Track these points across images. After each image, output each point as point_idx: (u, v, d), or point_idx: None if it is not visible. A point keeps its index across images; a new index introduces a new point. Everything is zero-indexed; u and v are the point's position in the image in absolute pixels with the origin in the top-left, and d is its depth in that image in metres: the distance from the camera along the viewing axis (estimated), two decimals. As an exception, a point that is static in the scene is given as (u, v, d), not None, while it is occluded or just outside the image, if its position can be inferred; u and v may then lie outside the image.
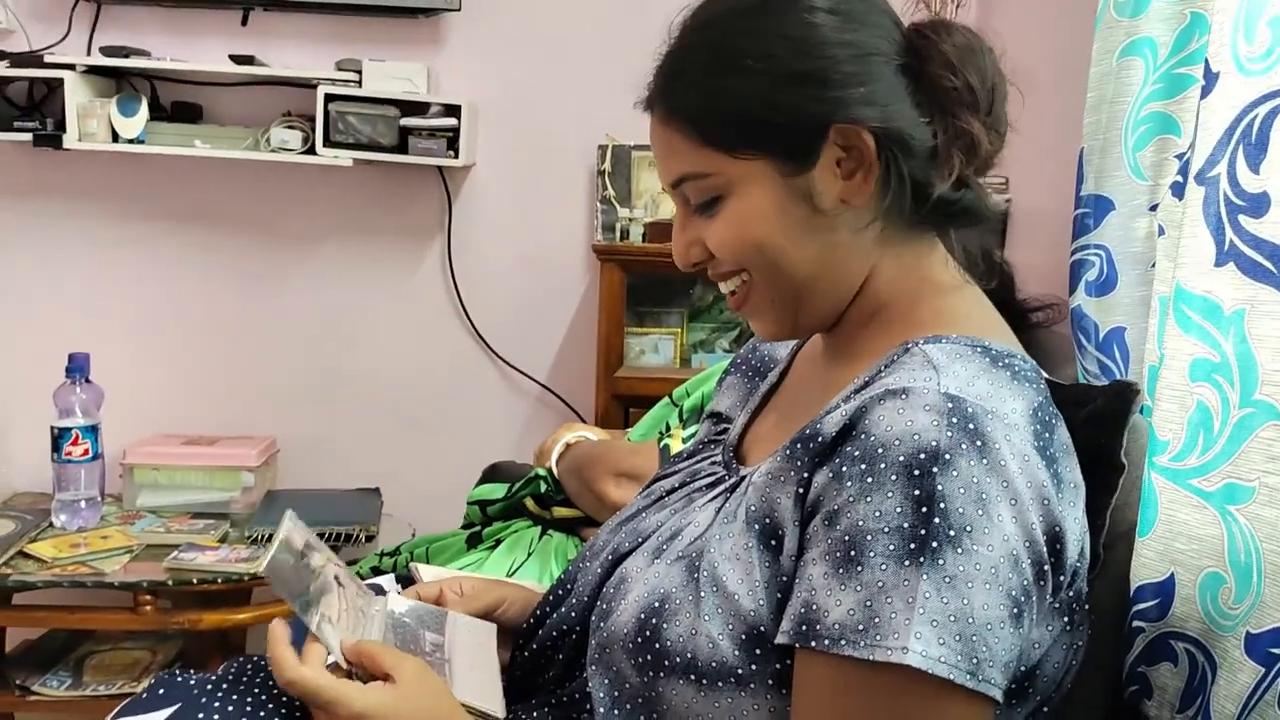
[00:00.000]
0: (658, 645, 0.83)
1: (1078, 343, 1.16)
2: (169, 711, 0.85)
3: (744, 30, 0.86)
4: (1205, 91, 0.90)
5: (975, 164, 0.87)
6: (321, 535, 2.00)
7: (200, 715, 0.85)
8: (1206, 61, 0.91)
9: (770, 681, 0.79)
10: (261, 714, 0.87)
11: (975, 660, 0.71)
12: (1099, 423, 0.91)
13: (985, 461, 0.73)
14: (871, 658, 0.71)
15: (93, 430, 2.05)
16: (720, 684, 0.80)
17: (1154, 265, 1.06)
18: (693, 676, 0.81)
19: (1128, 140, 1.10)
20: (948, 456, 0.73)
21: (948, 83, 0.85)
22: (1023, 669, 0.79)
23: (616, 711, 0.87)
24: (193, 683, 0.89)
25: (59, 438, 2.02)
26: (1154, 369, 0.96)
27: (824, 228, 0.86)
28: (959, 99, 0.85)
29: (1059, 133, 1.28)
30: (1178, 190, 1.03)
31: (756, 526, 0.82)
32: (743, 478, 0.90)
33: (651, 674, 0.83)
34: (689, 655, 0.81)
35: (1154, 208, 1.09)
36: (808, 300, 0.90)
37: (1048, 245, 1.61)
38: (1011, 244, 2.07)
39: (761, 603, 0.80)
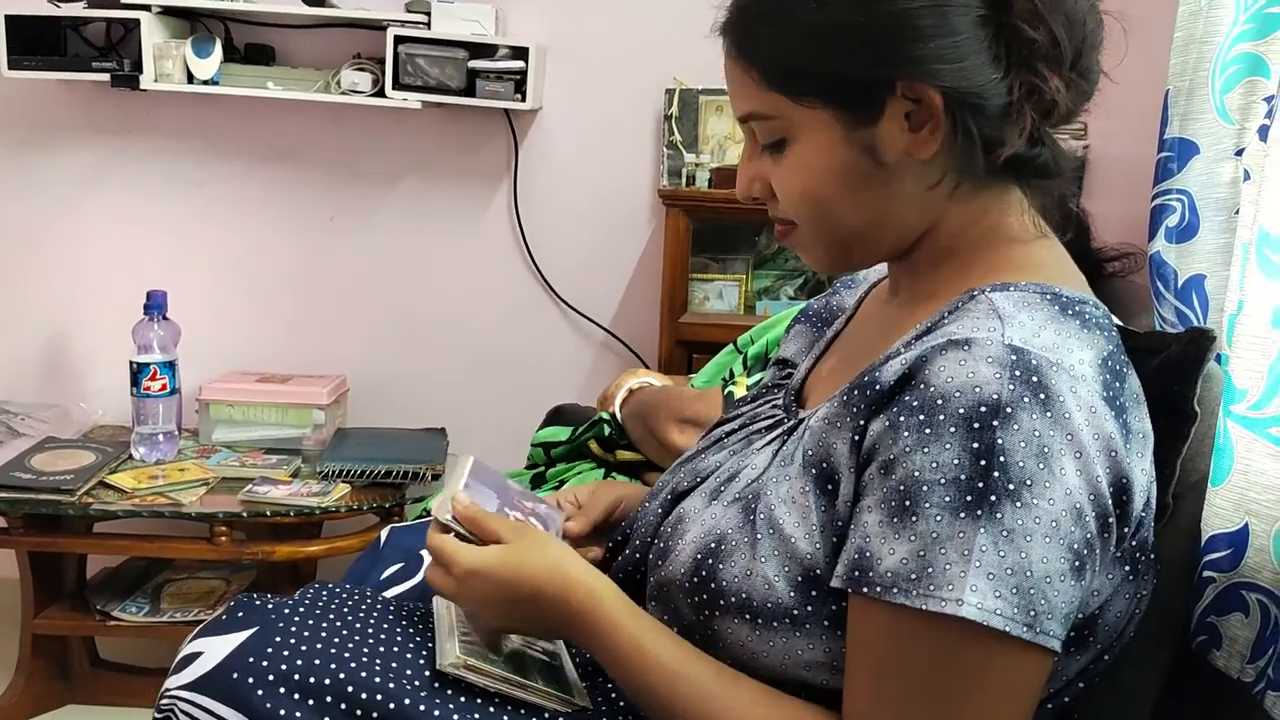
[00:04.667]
0: (713, 585, 0.84)
1: (1155, 290, 1.13)
2: (248, 633, 0.87)
3: None
4: (1297, 30, 0.87)
5: (1052, 121, 0.83)
6: (389, 473, 2.05)
7: (278, 638, 0.87)
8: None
9: (826, 623, 0.80)
10: (336, 639, 0.89)
11: (1033, 613, 0.72)
12: (1172, 371, 0.90)
13: (1049, 415, 0.73)
14: (925, 607, 0.72)
15: (170, 366, 2.10)
16: (775, 624, 0.81)
17: (1238, 211, 1.03)
18: (748, 616, 0.82)
19: (1215, 82, 1.06)
20: (1009, 410, 0.72)
21: (1028, 34, 0.80)
22: (1080, 617, 0.79)
23: (675, 646, 0.88)
24: (270, 606, 0.91)
25: (138, 373, 2.08)
26: (1233, 317, 0.94)
27: (885, 180, 0.84)
28: (1039, 52, 0.80)
29: (1141, 77, 1.24)
30: (1265, 134, 1.00)
31: (813, 471, 0.82)
32: (801, 420, 0.90)
33: (707, 613, 0.85)
34: (744, 595, 0.82)
35: (1240, 152, 1.05)
36: (859, 246, 0.89)
37: (1127, 193, 1.58)
38: (1089, 192, 2.03)
39: (818, 546, 0.80)
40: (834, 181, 0.85)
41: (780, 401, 0.99)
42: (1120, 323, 0.89)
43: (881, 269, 1.03)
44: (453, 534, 0.92)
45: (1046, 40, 0.80)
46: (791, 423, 0.92)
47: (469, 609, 0.92)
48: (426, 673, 0.88)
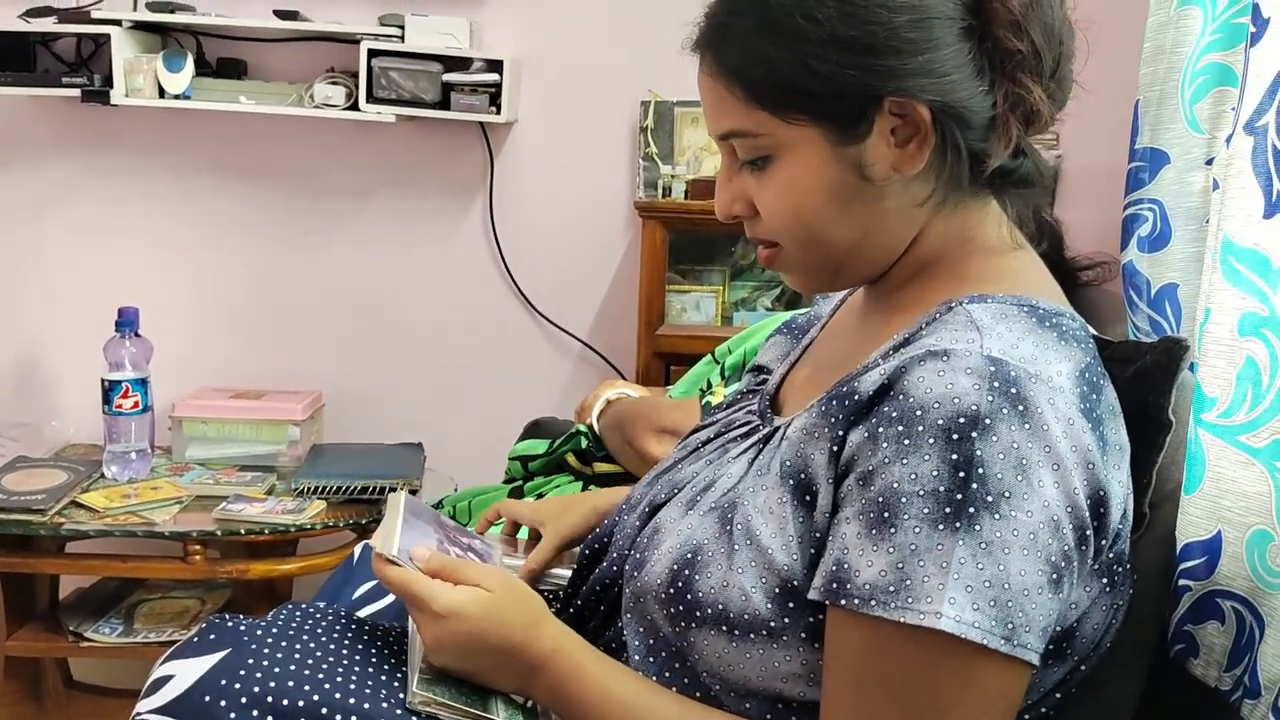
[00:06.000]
0: (689, 596, 0.83)
1: (1129, 299, 1.14)
2: (220, 655, 0.86)
3: None
4: (1254, 39, 0.88)
5: (1033, 130, 0.84)
6: (365, 489, 2.03)
7: (250, 660, 0.86)
8: (1256, 6, 0.88)
9: (803, 635, 0.80)
10: (310, 661, 0.88)
11: (1011, 625, 0.71)
12: (1146, 380, 0.90)
13: (1027, 426, 0.73)
14: (902, 620, 0.72)
15: (142, 383, 2.08)
16: (752, 635, 0.81)
17: (1209, 221, 1.04)
18: (724, 627, 0.82)
19: (1185, 92, 1.07)
20: (988, 421, 0.72)
21: (1011, 45, 0.80)
22: (1058, 629, 0.79)
23: (651, 659, 0.88)
24: (243, 627, 0.90)
25: (109, 390, 2.06)
26: (1202, 326, 0.94)
27: (873, 196, 0.83)
28: (1022, 63, 0.80)
29: (1112, 86, 1.25)
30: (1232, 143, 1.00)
31: (791, 481, 0.82)
32: (777, 428, 0.89)
33: (683, 624, 0.84)
34: (720, 606, 0.82)
35: (1210, 161, 1.06)
36: (847, 266, 0.88)
37: (1099, 202, 1.59)
38: (1062, 201, 2.04)
39: (795, 557, 0.80)
40: (822, 200, 0.83)
41: (755, 407, 0.99)
42: (1095, 332, 0.90)
43: None
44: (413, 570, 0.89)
45: (1029, 51, 0.80)
46: (767, 430, 0.91)
47: (430, 645, 0.87)
48: (401, 694, 0.87)
